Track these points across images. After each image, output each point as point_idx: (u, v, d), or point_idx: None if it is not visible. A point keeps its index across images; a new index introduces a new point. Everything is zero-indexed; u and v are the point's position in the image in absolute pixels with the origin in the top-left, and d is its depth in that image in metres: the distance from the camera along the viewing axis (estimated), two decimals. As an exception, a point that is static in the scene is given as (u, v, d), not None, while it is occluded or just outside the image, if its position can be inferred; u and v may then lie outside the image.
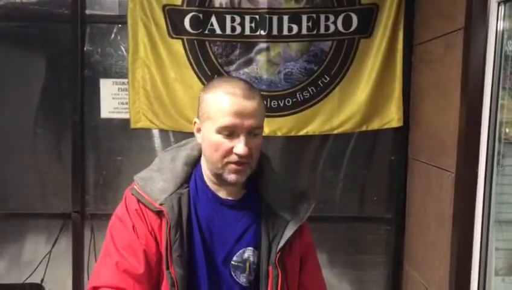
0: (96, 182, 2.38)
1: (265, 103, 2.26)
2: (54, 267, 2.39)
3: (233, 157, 1.08)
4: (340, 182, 2.40)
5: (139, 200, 1.13)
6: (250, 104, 1.07)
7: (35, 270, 2.37)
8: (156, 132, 2.36)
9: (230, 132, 1.07)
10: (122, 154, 2.37)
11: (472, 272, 1.73)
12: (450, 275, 1.79)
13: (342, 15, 2.24)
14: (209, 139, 1.10)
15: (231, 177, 1.10)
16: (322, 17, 2.24)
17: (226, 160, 1.09)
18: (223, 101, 1.07)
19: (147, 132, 2.35)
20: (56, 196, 2.39)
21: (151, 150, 2.36)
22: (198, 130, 1.15)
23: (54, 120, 2.36)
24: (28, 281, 2.36)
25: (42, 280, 2.37)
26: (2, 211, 2.38)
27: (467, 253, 1.73)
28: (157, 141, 2.38)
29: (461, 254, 1.74)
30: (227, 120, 1.06)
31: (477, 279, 1.72)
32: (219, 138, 1.08)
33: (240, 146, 1.07)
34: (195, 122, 1.16)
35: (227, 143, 1.08)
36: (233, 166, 1.09)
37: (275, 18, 2.24)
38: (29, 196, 2.39)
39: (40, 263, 2.37)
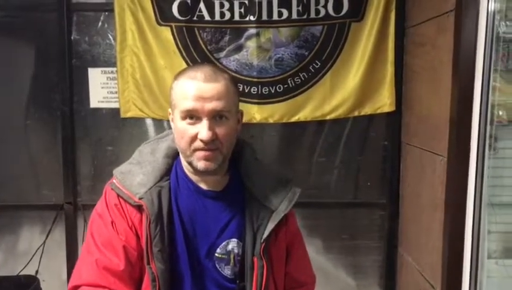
0: (88, 173, 2.37)
1: (256, 89, 2.25)
2: (48, 258, 2.38)
3: (199, 144, 1.06)
4: (334, 168, 2.38)
5: (118, 195, 1.12)
6: (211, 87, 1.05)
7: (29, 262, 2.36)
8: (148, 120, 2.34)
9: (192, 117, 1.05)
10: (113, 144, 2.35)
11: (464, 255, 1.73)
12: (442, 259, 1.79)
13: (333, -2, 2.21)
14: (177, 127, 1.09)
15: (200, 164, 1.07)
16: (313, 0, 2.20)
17: (192, 147, 1.07)
18: (184, 87, 1.06)
19: (138, 120, 2.33)
20: (48, 187, 2.38)
21: (142, 139, 2.29)
22: (173, 120, 1.13)
23: (43, 111, 2.33)
24: (23, 273, 2.36)
25: (37, 272, 2.36)
26: (-5, 203, 2.37)
27: (459, 236, 1.72)
28: (149, 129, 2.37)
29: (453, 238, 1.73)
30: (188, 104, 1.04)
31: (469, 262, 1.72)
32: (184, 124, 1.07)
33: (202, 131, 1.04)
34: (169, 113, 1.14)
35: (191, 129, 1.06)
36: (200, 153, 1.07)
37: (264, 2, 2.20)
38: (21, 187, 2.38)
39: (34, 255, 2.37)
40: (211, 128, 1.04)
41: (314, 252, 2.39)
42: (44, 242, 2.37)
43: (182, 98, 1.06)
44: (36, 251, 2.37)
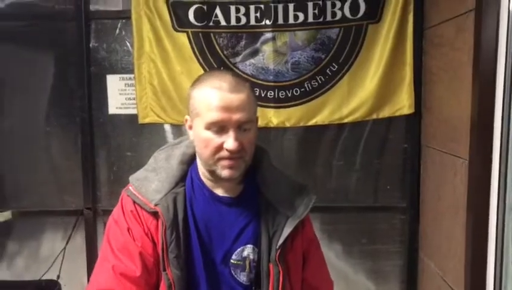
0: (108, 179, 2.39)
1: (273, 93, 2.25)
2: (69, 263, 2.41)
3: (224, 153, 1.06)
4: (353, 171, 2.36)
5: (134, 202, 1.12)
6: (237, 98, 1.04)
7: (50, 267, 2.39)
8: (166, 126, 2.36)
9: (218, 128, 1.05)
10: (132, 149, 2.37)
11: (488, 260, 1.68)
12: (465, 263, 1.75)
13: (349, 0, 2.18)
14: (199, 136, 1.08)
15: (224, 173, 1.07)
16: (329, 3, 2.18)
17: (217, 156, 1.06)
18: (210, 97, 1.05)
19: (156, 126, 2.35)
20: (68, 193, 2.41)
21: (161, 144, 2.28)
22: (190, 127, 1.13)
23: (63, 118, 2.37)
24: (45, 277, 2.39)
25: (58, 276, 2.39)
26: (17, 209, 2.41)
27: (482, 241, 1.68)
28: (167, 135, 2.38)
29: (476, 242, 1.69)
30: (215, 115, 1.04)
31: (493, 267, 1.67)
32: (208, 134, 1.06)
33: (229, 141, 1.04)
34: (186, 120, 1.14)
35: (216, 139, 1.05)
36: (225, 162, 1.06)
37: (280, 7, 2.19)
38: (42, 193, 2.42)
39: (55, 260, 2.40)
40: (237, 138, 1.05)
41: (334, 256, 2.37)
42: (65, 247, 2.41)
43: (207, 109, 1.05)
44: (57, 256, 2.40)
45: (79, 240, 2.42)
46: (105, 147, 2.38)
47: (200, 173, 1.15)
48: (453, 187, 1.87)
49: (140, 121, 2.30)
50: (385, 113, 2.24)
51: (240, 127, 1.06)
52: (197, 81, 1.11)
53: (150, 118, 2.29)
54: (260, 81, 2.24)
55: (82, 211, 2.38)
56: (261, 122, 2.20)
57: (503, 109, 1.62)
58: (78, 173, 2.38)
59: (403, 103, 2.21)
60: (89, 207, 2.37)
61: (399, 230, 2.37)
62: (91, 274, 2.38)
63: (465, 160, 1.74)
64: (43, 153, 2.40)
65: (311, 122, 2.26)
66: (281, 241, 1.11)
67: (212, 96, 1.05)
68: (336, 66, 2.23)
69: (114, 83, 2.32)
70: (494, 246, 1.67)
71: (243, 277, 1.13)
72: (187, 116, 1.14)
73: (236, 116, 1.04)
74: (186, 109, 1.14)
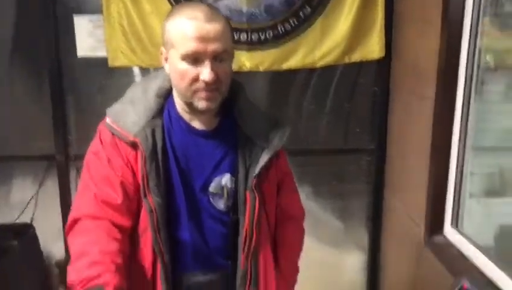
0: (78, 123, 2.36)
1: (246, 36, 2.23)
2: (42, 207, 2.42)
3: (201, 85, 1.06)
4: (324, 114, 2.40)
5: (113, 134, 1.13)
6: (213, 28, 1.04)
7: (23, 211, 2.39)
8: (135, 69, 2.31)
9: (194, 58, 1.05)
10: (102, 92, 2.32)
11: (447, 194, 1.80)
12: (427, 199, 1.86)
13: None
14: (175, 68, 1.08)
15: (201, 104, 1.09)
16: None
17: (193, 87, 1.07)
18: (185, 27, 1.04)
19: (126, 69, 2.29)
20: (39, 138, 2.37)
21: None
22: (166, 59, 1.12)
23: (29, 62, 2.29)
24: (18, 221, 2.39)
25: (32, 220, 2.40)
26: (-13, 156, 2.37)
27: (443, 177, 1.79)
28: (138, 78, 2.34)
29: (438, 178, 1.80)
30: (190, 46, 1.04)
31: (452, 201, 1.79)
32: (184, 65, 1.06)
33: (205, 72, 1.05)
34: (161, 52, 1.13)
35: (193, 70, 1.06)
36: (202, 93, 1.07)
37: None
38: (11, 139, 2.38)
39: (28, 204, 2.40)
40: (213, 69, 1.05)
41: (304, 197, 2.38)
42: (37, 191, 2.40)
43: (182, 39, 1.04)
44: (30, 201, 2.40)
45: (50, 185, 2.41)
46: (75, 91, 2.33)
47: (177, 106, 1.17)
48: (419, 128, 1.95)
49: (111, 64, 2.25)
50: (356, 56, 2.26)
51: (215, 58, 1.06)
52: (171, 12, 1.10)
53: (121, 61, 2.24)
54: (233, 24, 2.21)
55: (53, 156, 2.36)
56: (234, 66, 2.20)
57: (468, 52, 1.68)
58: (48, 118, 2.33)
59: (373, 46, 2.24)
60: (60, 152, 2.35)
61: (366, 171, 2.46)
62: (65, 217, 2.39)
63: (430, 101, 1.81)
64: (10, 98, 2.33)
65: (285, 66, 2.26)
66: (257, 170, 1.15)
67: (188, 27, 1.04)
68: (309, 9, 2.22)
69: (82, 25, 2.24)
70: (454, 181, 1.79)
71: (220, 205, 1.18)
72: (162, 48, 1.13)
73: (212, 47, 1.04)
74: (162, 41, 1.13)
